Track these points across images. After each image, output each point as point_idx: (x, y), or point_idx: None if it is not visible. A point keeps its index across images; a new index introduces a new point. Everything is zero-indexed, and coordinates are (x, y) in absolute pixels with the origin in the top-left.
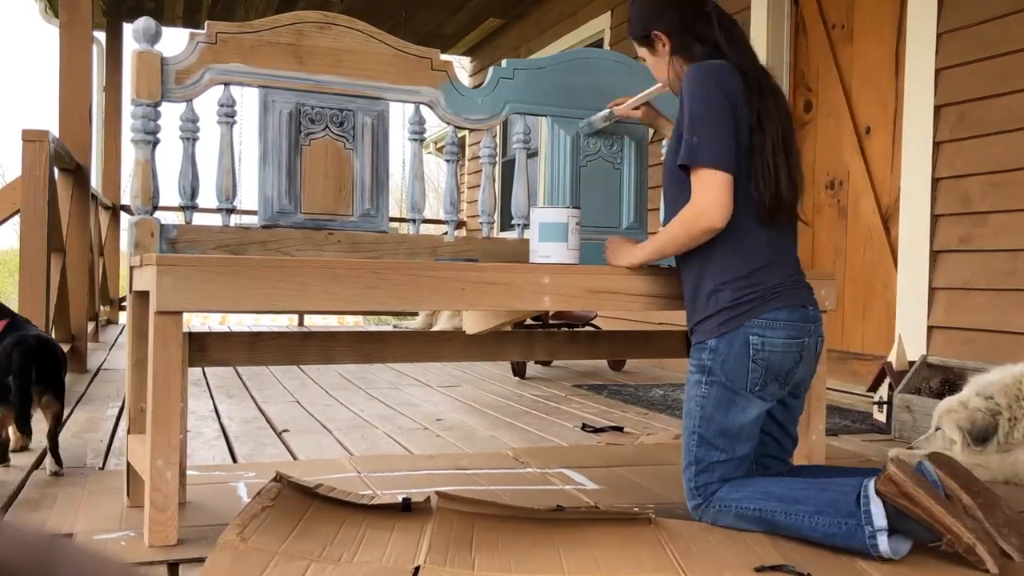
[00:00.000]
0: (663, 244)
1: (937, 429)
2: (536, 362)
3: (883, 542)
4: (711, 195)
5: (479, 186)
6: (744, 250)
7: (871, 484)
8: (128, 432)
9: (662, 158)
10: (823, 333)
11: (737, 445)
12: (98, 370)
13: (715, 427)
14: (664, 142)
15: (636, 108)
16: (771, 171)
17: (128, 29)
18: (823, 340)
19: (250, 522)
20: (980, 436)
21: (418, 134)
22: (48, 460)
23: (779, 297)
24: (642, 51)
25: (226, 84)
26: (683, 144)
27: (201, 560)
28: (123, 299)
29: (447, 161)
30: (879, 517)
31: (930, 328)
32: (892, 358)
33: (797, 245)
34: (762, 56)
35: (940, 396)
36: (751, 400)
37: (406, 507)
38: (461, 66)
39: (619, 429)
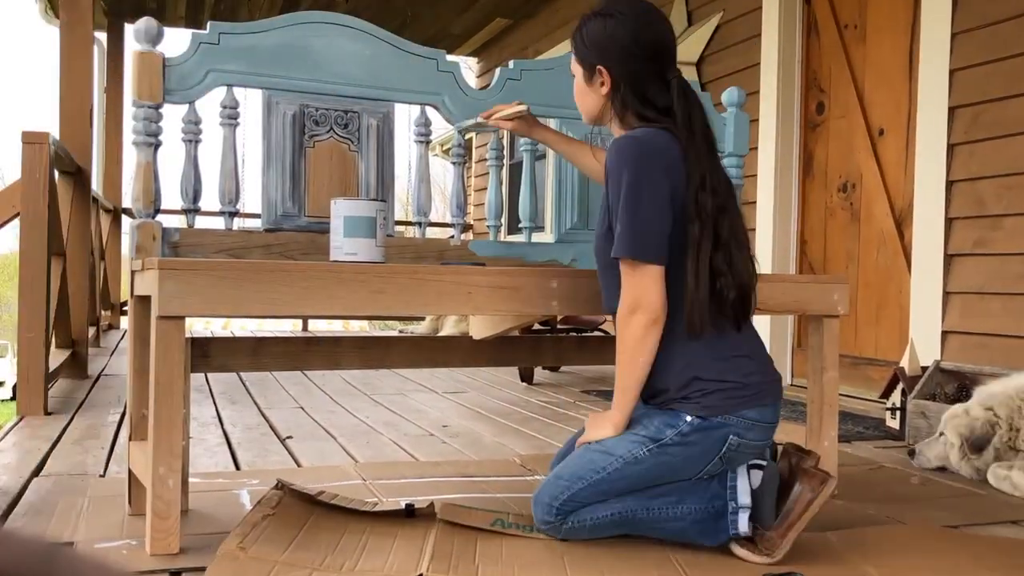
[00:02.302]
0: (624, 382)
1: (941, 434)
2: (544, 367)
3: (743, 520)
4: (648, 290)
5: (485, 189)
6: (723, 345)
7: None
8: (130, 439)
9: None
10: None
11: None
12: (99, 376)
13: (618, 487)
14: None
15: (509, 119)
16: (731, 262)
17: (129, 29)
18: None
19: (250, 531)
20: (976, 444)
21: (424, 136)
22: None
23: (765, 394)
24: (576, 68)
25: (229, 85)
26: (617, 234)
27: (203, 569)
28: (124, 304)
29: (453, 163)
30: (743, 494)
31: (944, 333)
32: (905, 363)
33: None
34: (774, 57)
35: (956, 402)
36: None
37: (409, 513)
38: (468, 67)
39: None
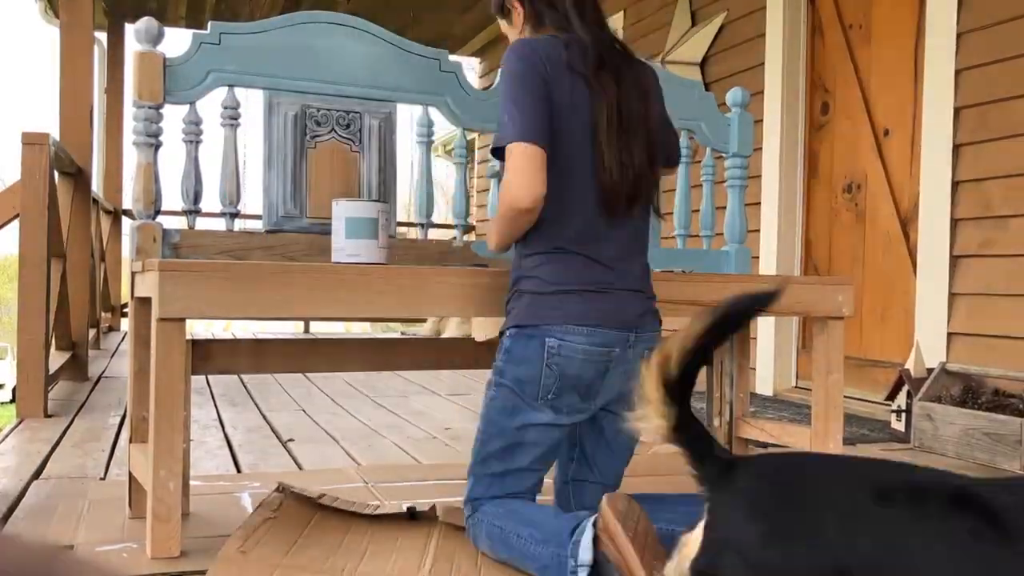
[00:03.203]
0: (491, 235)
1: None
2: None
3: None
4: (514, 171)
5: (488, 190)
6: (555, 245)
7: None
8: (130, 441)
9: None
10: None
11: (516, 456)
12: (99, 378)
13: (495, 435)
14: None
15: None
16: (601, 153)
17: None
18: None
19: (251, 535)
20: None
21: (426, 137)
22: None
23: (595, 299)
24: (502, 24)
25: (230, 86)
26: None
27: (204, 573)
28: (125, 305)
29: (456, 164)
30: (585, 550)
31: (950, 334)
32: (910, 365)
33: (644, 245)
34: (778, 57)
35: (962, 404)
36: (539, 409)
37: (411, 516)
38: (470, 67)
39: None
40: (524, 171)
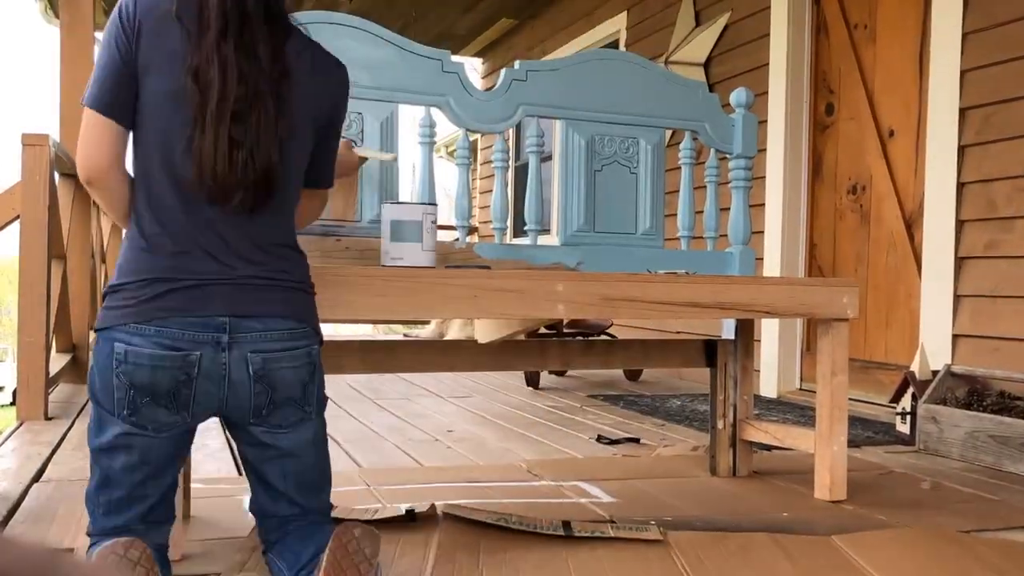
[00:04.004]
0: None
1: None
2: (550, 372)
3: None
4: (80, 137)
5: (491, 191)
6: (139, 230)
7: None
8: None
9: (679, 162)
10: (265, 352)
11: (111, 486)
12: None
13: (93, 456)
14: (681, 146)
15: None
16: (195, 129)
17: None
18: (262, 362)
19: (250, 557)
20: None
21: (428, 138)
22: None
23: (168, 296)
24: None
25: None
26: None
27: None
28: None
29: (458, 165)
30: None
31: (955, 336)
32: (915, 367)
33: (246, 232)
34: (782, 57)
35: (968, 406)
36: (120, 427)
37: (410, 517)
38: (473, 68)
39: (635, 441)
40: (84, 138)
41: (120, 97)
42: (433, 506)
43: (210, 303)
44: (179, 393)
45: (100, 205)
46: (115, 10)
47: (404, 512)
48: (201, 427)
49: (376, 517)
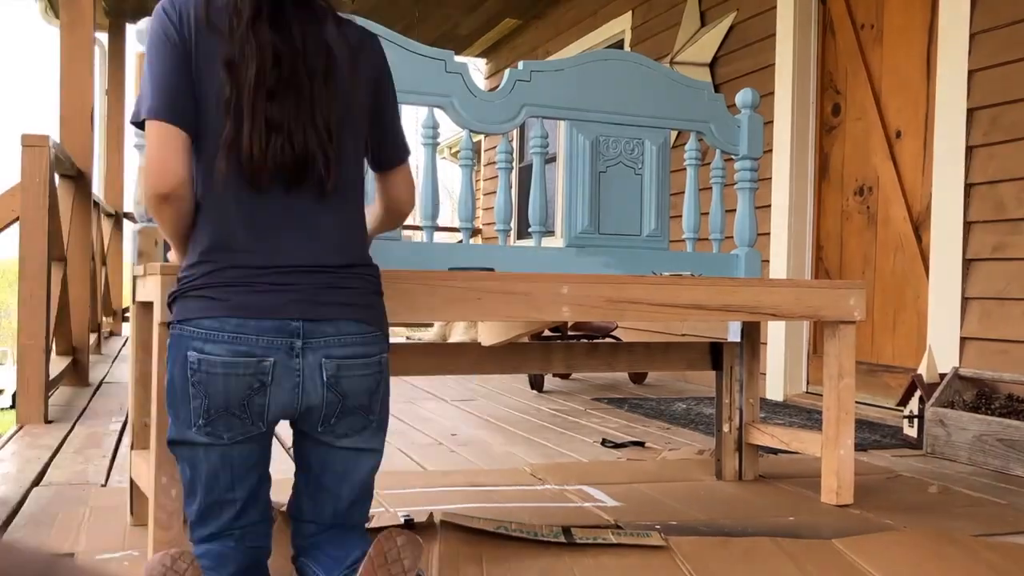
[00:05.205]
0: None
1: None
2: (554, 375)
3: None
4: (148, 153)
5: (495, 192)
6: (208, 226)
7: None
8: (131, 448)
9: (685, 163)
10: (348, 357)
11: (195, 495)
12: (100, 383)
13: (186, 474)
14: (686, 147)
15: None
16: (233, 119)
17: (131, 30)
18: (341, 366)
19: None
20: None
21: (432, 139)
22: None
23: (233, 292)
24: None
25: None
26: None
27: None
28: (126, 310)
29: (462, 167)
30: None
31: (963, 339)
32: (922, 370)
33: (313, 223)
34: (789, 58)
35: (975, 410)
36: (196, 437)
37: (408, 526)
38: (476, 68)
39: (640, 444)
40: (155, 152)
41: (180, 103)
42: (431, 515)
43: (284, 307)
44: (252, 402)
45: (163, 228)
46: (157, 18)
47: (403, 521)
48: None
49: (372, 525)
